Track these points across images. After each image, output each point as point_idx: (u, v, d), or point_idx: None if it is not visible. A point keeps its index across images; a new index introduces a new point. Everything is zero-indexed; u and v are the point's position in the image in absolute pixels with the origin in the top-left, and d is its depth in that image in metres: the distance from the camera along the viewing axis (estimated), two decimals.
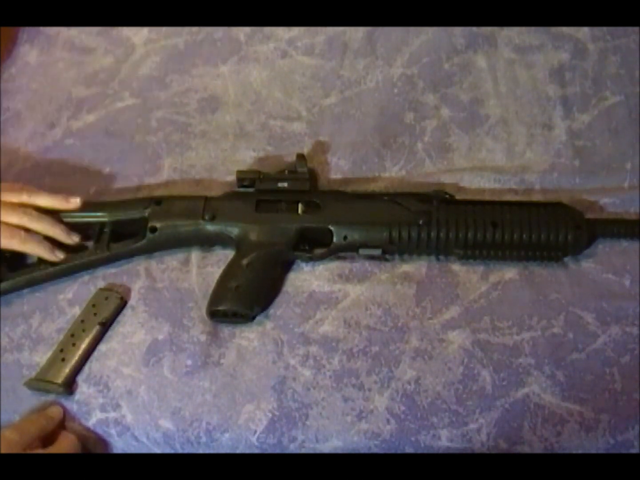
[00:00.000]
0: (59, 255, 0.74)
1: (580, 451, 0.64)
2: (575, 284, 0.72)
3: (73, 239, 0.74)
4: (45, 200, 0.74)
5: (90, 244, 0.76)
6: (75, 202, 0.75)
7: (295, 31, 0.93)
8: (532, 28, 0.90)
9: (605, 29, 0.89)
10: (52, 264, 0.74)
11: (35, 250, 0.73)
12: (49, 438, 0.66)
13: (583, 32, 0.89)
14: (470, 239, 0.71)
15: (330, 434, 0.66)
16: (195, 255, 0.76)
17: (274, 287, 0.73)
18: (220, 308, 0.70)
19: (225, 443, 0.67)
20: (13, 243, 0.72)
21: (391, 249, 0.73)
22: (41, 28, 0.97)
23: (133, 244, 0.75)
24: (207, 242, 0.76)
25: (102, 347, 0.71)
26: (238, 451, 0.67)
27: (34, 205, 0.73)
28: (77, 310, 0.73)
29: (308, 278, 0.74)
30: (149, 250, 0.76)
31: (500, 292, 0.72)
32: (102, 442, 0.69)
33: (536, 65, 0.87)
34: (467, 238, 0.71)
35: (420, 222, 0.72)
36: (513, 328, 0.70)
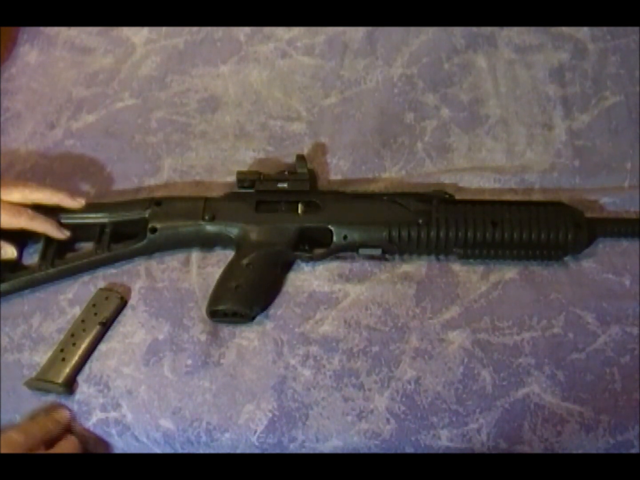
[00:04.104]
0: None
1: (580, 451, 0.64)
2: (575, 283, 0.72)
3: (65, 234, 0.74)
4: (48, 196, 0.74)
5: (90, 244, 0.76)
6: (80, 202, 0.75)
7: (295, 31, 0.93)
8: (532, 28, 0.90)
9: (605, 29, 0.89)
10: (52, 264, 0.74)
11: (42, 226, 0.73)
12: (53, 441, 0.65)
13: (583, 32, 0.89)
14: (470, 238, 0.71)
15: (330, 434, 0.66)
16: (195, 255, 0.76)
17: (274, 287, 0.73)
18: (220, 308, 0.70)
19: (226, 443, 0.67)
20: (21, 221, 0.72)
21: (391, 249, 0.74)
22: (41, 28, 0.97)
23: (133, 245, 0.75)
24: (207, 243, 0.76)
25: (102, 346, 0.71)
26: (238, 451, 0.67)
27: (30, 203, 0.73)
28: (77, 310, 0.73)
29: (308, 278, 0.74)
30: (149, 251, 0.76)
31: (501, 292, 0.72)
32: (102, 442, 0.69)
33: (536, 65, 0.88)
34: (467, 237, 0.71)
35: (420, 221, 0.72)
36: (513, 328, 0.70)
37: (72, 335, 0.71)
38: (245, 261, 0.72)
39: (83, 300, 0.73)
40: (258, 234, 0.73)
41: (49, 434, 0.65)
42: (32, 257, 0.76)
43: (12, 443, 0.62)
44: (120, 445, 0.68)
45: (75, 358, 0.70)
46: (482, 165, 0.81)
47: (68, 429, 0.67)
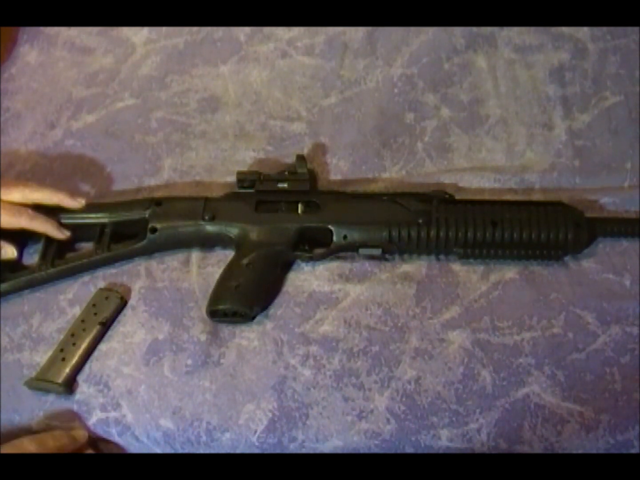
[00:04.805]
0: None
1: (580, 451, 0.64)
2: (575, 283, 0.72)
3: (65, 234, 0.75)
4: (49, 196, 0.74)
5: (90, 244, 0.76)
6: (80, 202, 0.75)
7: (295, 31, 0.93)
8: (532, 28, 0.90)
9: (605, 29, 0.89)
10: (52, 264, 0.74)
11: (43, 226, 0.73)
12: None
13: (583, 32, 0.89)
14: (470, 238, 0.71)
15: (331, 434, 0.66)
16: (195, 255, 0.76)
17: (274, 287, 0.73)
18: (220, 307, 0.70)
19: (226, 443, 0.67)
20: (21, 221, 0.72)
21: (391, 249, 0.74)
22: (41, 28, 0.97)
23: (133, 245, 0.75)
24: (207, 243, 0.76)
25: (102, 346, 0.71)
26: (238, 451, 0.67)
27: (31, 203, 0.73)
28: (77, 310, 0.73)
29: (308, 278, 0.74)
30: (150, 251, 0.76)
31: (501, 292, 0.72)
32: (103, 441, 0.69)
33: (536, 65, 0.88)
34: (467, 237, 0.71)
35: (420, 221, 0.72)
36: (513, 328, 0.70)
37: (72, 335, 0.71)
38: (245, 261, 0.72)
39: (83, 300, 0.73)
40: (258, 234, 0.73)
41: (62, 449, 0.64)
42: (32, 257, 0.76)
43: (24, 451, 0.61)
44: (120, 444, 0.68)
45: (75, 358, 0.70)
46: (482, 165, 0.81)
47: (82, 450, 0.67)
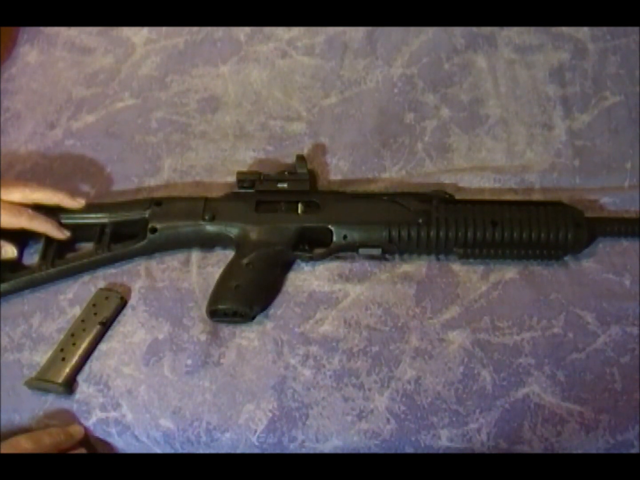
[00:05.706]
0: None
1: (580, 451, 0.64)
2: (575, 283, 0.72)
3: (65, 234, 0.75)
4: (49, 196, 0.74)
5: (91, 245, 0.76)
6: (80, 202, 0.75)
7: (295, 31, 0.93)
8: (532, 28, 0.90)
9: (605, 29, 0.89)
10: (53, 264, 0.74)
11: (43, 226, 0.73)
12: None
13: (583, 32, 0.89)
14: (470, 237, 0.71)
15: (330, 434, 0.66)
16: (195, 255, 0.76)
17: (274, 287, 0.73)
18: (220, 307, 0.71)
19: (226, 443, 0.67)
20: (21, 220, 0.72)
21: (391, 249, 0.74)
22: (41, 28, 0.97)
23: (133, 245, 0.75)
24: (207, 243, 0.76)
25: (102, 346, 0.71)
26: (238, 451, 0.67)
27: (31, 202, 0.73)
28: (77, 310, 0.73)
29: (308, 278, 0.74)
30: (150, 251, 0.76)
31: (501, 292, 0.72)
32: (102, 441, 0.69)
33: (536, 65, 0.88)
34: (467, 237, 0.71)
35: (420, 221, 0.72)
36: (513, 328, 0.70)
37: (72, 335, 0.71)
38: (245, 261, 0.72)
39: (83, 300, 0.73)
40: (258, 234, 0.73)
41: (59, 445, 0.64)
42: (32, 257, 0.76)
43: (20, 449, 0.61)
44: (120, 444, 0.68)
45: (75, 358, 0.70)
46: (482, 165, 0.81)
47: (80, 447, 0.67)
